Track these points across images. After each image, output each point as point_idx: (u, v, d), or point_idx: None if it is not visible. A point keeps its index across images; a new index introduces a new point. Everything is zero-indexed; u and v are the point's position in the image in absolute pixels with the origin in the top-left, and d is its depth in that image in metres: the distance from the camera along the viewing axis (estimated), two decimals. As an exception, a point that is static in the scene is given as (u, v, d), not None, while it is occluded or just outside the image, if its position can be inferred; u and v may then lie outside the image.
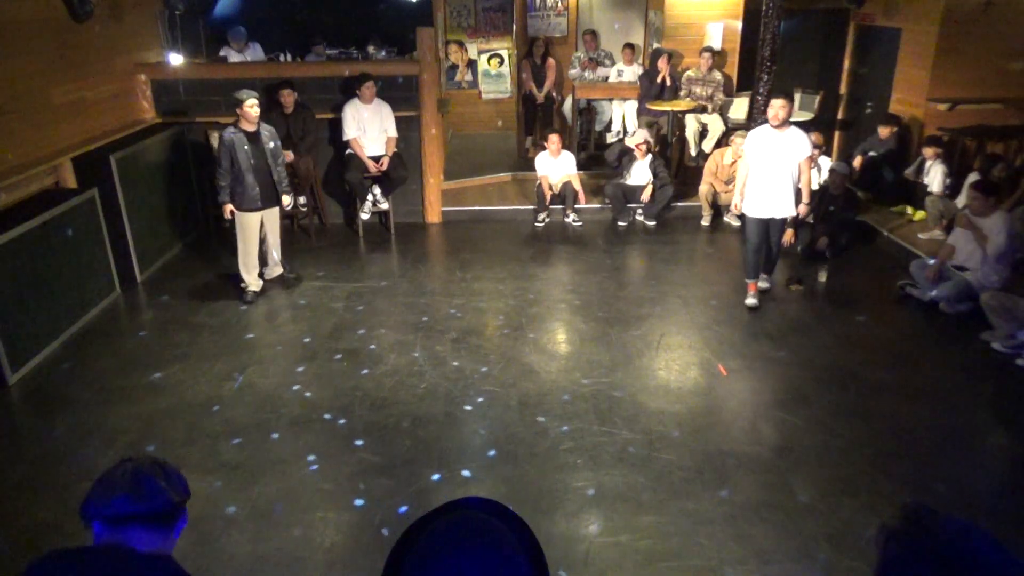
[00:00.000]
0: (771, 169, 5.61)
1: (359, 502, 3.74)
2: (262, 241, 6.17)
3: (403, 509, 3.66)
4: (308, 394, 4.71)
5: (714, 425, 4.41)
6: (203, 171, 7.54)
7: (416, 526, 0.96)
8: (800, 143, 5.59)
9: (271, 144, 5.86)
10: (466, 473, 3.95)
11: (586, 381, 4.84)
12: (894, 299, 6.13)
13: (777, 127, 5.54)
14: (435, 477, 3.92)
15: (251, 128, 5.75)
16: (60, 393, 4.76)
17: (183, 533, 3.55)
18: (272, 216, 6.13)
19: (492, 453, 4.13)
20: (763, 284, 6.11)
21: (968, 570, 0.98)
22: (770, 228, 5.84)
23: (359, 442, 4.22)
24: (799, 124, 8.70)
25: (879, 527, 1.08)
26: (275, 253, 6.32)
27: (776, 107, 5.51)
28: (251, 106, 5.64)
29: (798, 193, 5.72)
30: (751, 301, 5.89)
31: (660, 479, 3.88)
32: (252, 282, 6.10)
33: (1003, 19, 7.68)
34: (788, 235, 6.64)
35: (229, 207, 5.85)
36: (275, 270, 6.40)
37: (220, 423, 4.42)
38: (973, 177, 6.63)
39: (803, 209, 5.81)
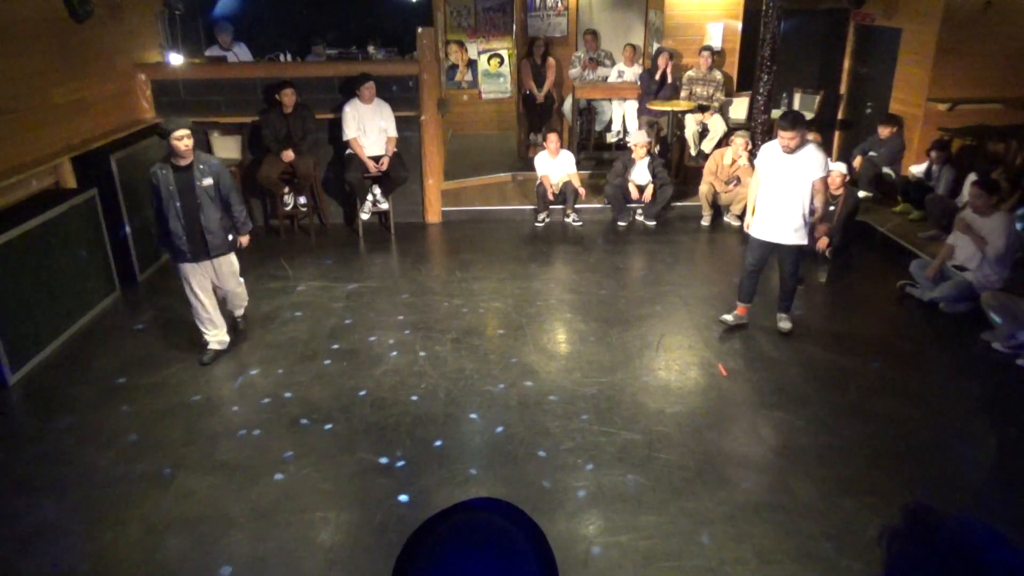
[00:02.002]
0: (778, 190, 5.12)
1: (359, 502, 3.74)
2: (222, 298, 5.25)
3: (404, 497, 3.67)
4: (308, 394, 4.71)
5: (714, 425, 4.40)
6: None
7: (425, 527, 0.96)
8: (812, 164, 5.02)
9: (206, 181, 4.80)
10: (466, 473, 3.95)
11: (586, 381, 4.84)
12: (894, 299, 6.13)
13: (792, 152, 5.04)
14: (435, 477, 3.91)
15: (182, 162, 4.75)
16: (60, 393, 4.76)
17: (184, 533, 3.57)
18: (221, 269, 5.06)
19: (492, 453, 4.12)
20: (784, 325, 5.46)
21: (972, 565, 0.98)
22: (778, 256, 5.32)
23: (359, 443, 4.22)
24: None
25: (882, 527, 1.08)
26: (237, 312, 5.42)
27: (786, 139, 4.97)
28: (178, 139, 4.64)
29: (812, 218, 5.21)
30: (727, 317, 5.55)
31: (660, 479, 3.88)
32: (211, 337, 5.11)
33: (1003, 19, 7.68)
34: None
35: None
36: (236, 313, 5.48)
37: (220, 423, 4.42)
38: (974, 177, 6.63)
39: (821, 229, 5.25)
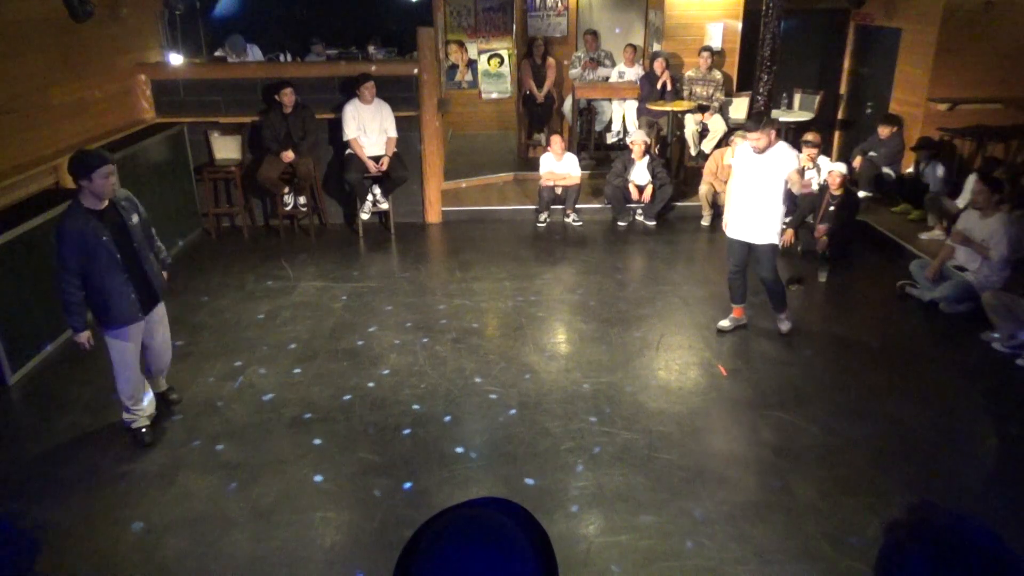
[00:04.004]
0: (750, 190, 5.11)
1: (359, 502, 3.74)
2: (145, 348, 4.28)
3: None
4: (308, 394, 4.71)
5: (714, 425, 4.41)
6: (203, 171, 7.55)
7: (427, 524, 0.97)
8: (783, 162, 4.98)
9: (134, 219, 4.01)
10: (466, 473, 3.95)
11: (586, 381, 4.84)
12: (894, 299, 6.13)
13: (760, 151, 5.01)
14: (435, 477, 3.91)
15: (101, 206, 3.85)
16: (60, 393, 4.76)
17: (184, 532, 3.58)
18: (154, 314, 4.24)
19: (492, 453, 4.12)
20: (783, 326, 5.44)
21: (962, 555, 1.02)
22: (754, 257, 5.29)
23: (359, 443, 4.22)
24: (802, 124, 8.76)
25: (884, 522, 1.12)
26: (164, 360, 4.49)
27: (752, 139, 4.97)
28: (105, 176, 3.75)
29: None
30: (724, 323, 5.51)
31: (660, 479, 3.88)
32: (143, 414, 4.24)
33: (1003, 19, 7.68)
34: (788, 235, 6.66)
35: (86, 335, 3.99)
36: (159, 383, 4.56)
37: (220, 423, 4.42)
38: (974, 177, 6.63)
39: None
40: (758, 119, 4.99)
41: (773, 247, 5.22)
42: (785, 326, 5.47)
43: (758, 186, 5.09)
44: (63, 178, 5.91)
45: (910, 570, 1.05)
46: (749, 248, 5.28)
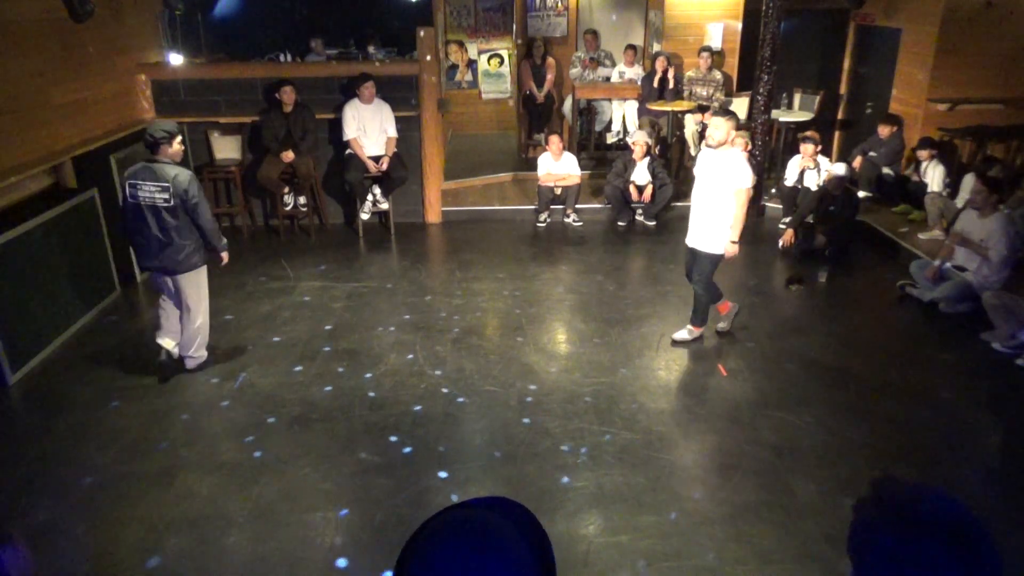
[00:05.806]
0: (700, 193, 4.99)
1: (359, 502, 3.74)
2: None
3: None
4: (308, 394, 4.71)
5: (714, 425, 4.40)
6: (203, 171, 7.54)
7: (425, 524, 0.98)
8: (732, 170, 4.80)
9: None
10: (466, 473, 3.95)
11: (586, 381, 4.84)
12: (894, 299, 6.13)
13: (713, 147, 4.85)
14: (435, 477, 3.92)
15: None
16: (60, 393, 4.76)
17: (184, 532, 3.58)
18: None
19: (493, 453, 4.12)
20: (679, 334, 5.31)
21: (926, 526, 1.07)
22: (693, 261, 5.17)
23: (359, 443, 4.22)
24: (801, 124, 8.77)
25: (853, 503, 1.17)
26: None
27: (710, 126, 4.85)
28: (180, 142, 4.72)
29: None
30: (722, 325, 5.42)
31: (660, 479, 3.88)
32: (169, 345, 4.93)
33: (1003, 19, 7.69)
34: (788, 235, 6.68)
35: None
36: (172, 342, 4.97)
37: (220, 423, 4.42)
38: (971, 177, 6.63)
39: (730, 249, 4.95)
40: (725, 111, 4.92)
41: (714, 258, 5.03)
42: (681, 335, 5.29)
43: (707, 191, 4.96)
44: (63, 178, 5.92)
45: (877, 546, 1.08)
46: (694, 256, 5.15)
